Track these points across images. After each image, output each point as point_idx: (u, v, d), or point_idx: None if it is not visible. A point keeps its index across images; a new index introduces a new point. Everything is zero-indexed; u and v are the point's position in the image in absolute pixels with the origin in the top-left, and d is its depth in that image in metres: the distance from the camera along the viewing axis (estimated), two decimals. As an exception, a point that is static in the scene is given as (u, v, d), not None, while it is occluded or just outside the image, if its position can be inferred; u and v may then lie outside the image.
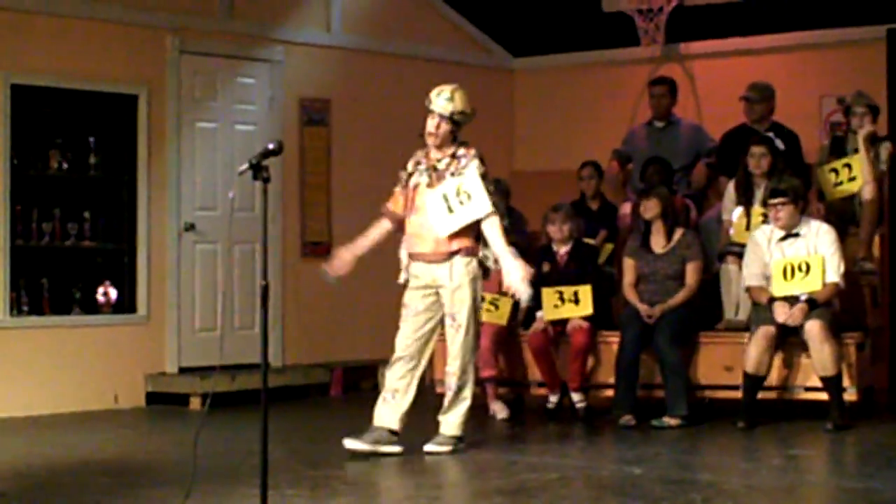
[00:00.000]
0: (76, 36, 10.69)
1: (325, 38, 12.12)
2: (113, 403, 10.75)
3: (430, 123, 8.03)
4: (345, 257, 8.17)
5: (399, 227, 8.24)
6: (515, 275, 7.96)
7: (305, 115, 11.89)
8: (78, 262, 10.85)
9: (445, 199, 7.99)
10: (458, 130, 8.09)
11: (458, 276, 8.01)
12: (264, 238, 6.00)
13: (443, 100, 8.02)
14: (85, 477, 7.50)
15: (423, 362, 8.14)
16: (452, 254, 8.02)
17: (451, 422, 8.18)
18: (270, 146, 5.87)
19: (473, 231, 8.08)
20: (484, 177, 8.00)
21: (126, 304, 10.95)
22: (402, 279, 8.20)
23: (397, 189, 8.25)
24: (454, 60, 12.99)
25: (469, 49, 13.24)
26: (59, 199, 10.74)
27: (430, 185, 8.06)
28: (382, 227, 8.28)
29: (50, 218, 10.65)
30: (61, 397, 10.47)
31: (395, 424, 8.04)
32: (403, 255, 8.23)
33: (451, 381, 8.15)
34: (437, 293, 8.08)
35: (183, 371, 11.06)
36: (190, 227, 11.22)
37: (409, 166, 8.21)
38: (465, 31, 13.22)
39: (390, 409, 8.05)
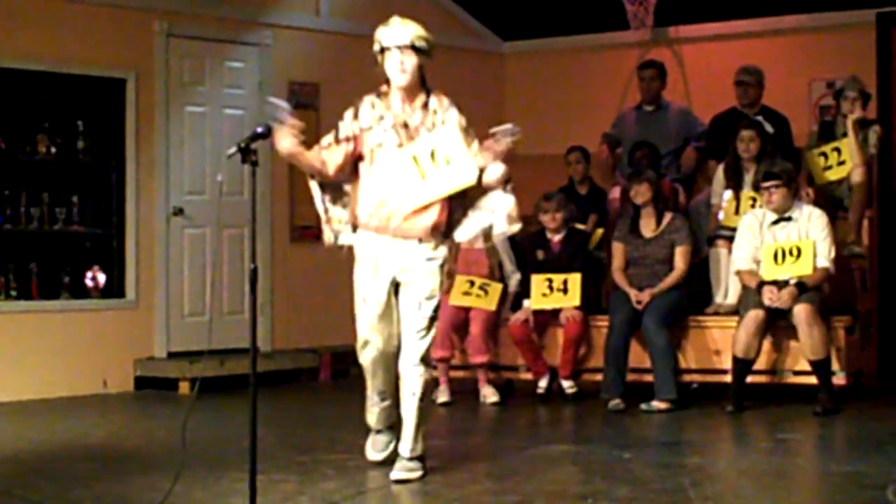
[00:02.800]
0: (64, 20, 10.66)
1: (313, 21, 12.10)
2: (101, 388, 10.74)
3: (394, 62, 6.56)
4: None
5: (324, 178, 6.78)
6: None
7: (294, 99, 11.84)
8: (66, 247, 10.83)
9: (416, 161, 6.59)
10: (424, 63, 6.62)
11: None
12: (253, 222, 5.98)
13: (396, 27, 6.59)
14: (73, 462, 7.49)
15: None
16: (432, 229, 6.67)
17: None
18: (259, 129, 5.85)
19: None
20: (466, 131, 6.64)
21: (114, 289, 10.93)
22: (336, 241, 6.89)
23: (332, 140, 6.74)
24: (443, 44, 12.78)
25: (458, 33, 13.22)
26: (47, 184, 10.71)
27: (400, 145, 6.64)
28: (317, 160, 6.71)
29: (38, 202, 10.63)
30: (50, 382, 10.45)
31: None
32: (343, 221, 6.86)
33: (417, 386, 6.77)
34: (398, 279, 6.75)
35: (172, 356, 11.05)
36: (178, 212, 11.19)
37: (365, 118, 6.68)
38: (454, 15, 13.19)
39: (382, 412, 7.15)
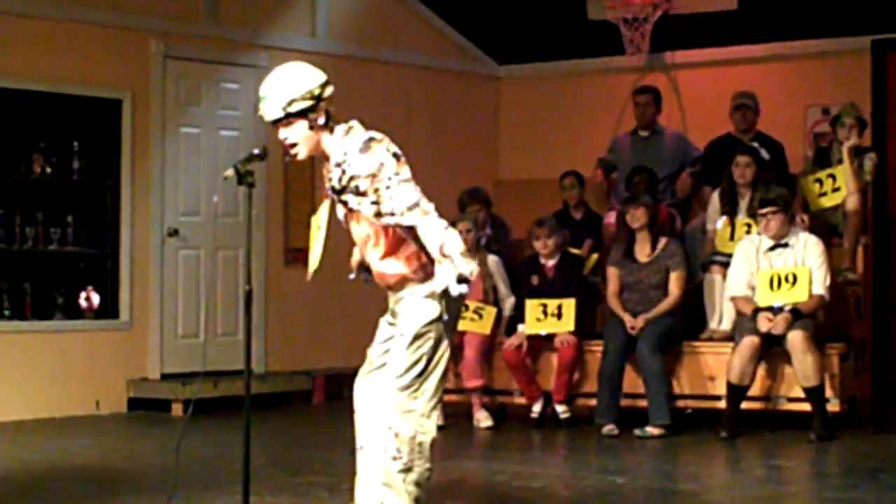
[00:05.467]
0: (61, 39, 10.66)
1: (310, 44, 12.09)
2: (94, 409, 10.71)
3: (281, 139, 5.56)
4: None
5: None
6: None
7: (290, 121, 11.85)
8: (61, 267, 10.81)
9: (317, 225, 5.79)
10: (317, 118, 5.50)
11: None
12: (248, 244, 5.96)
13: (265, 102, 5.48)
14: (66, 483, 7.46)
15: None
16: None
17: None
18: (256, 151, 5.82)
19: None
20: (366, 150, 5.46)
21: (108, 310, 10.90)
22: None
23: None
24: (439, 68, 12.99)
25: (454, 56, 13.23)
26: (42, 204, 10.70)
27: (347, 213, 5.63)
28: None
29: (33, 222, 10.61)
30: (43, 402, 10.42)
31: None
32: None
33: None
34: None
35: (165, 377, 11.02)
36: (173, 233, 11.18)
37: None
38: (450, 39, 13.21)
39: None
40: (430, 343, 5.48)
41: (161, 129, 11.15)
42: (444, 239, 5.34)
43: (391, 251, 5.52)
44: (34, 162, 10.65)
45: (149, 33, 11.10)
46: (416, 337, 5.46)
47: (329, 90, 5.52)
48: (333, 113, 5.57)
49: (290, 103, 5.43)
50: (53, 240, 10.69)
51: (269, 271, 11.71)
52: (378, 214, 5.44)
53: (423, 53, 12.89)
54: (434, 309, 5.48)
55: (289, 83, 5.46)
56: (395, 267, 5.53)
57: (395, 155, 5.47)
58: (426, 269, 5.49)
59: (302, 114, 5.46)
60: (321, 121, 5.51)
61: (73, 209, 10.84)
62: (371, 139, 5.49)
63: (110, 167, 10.95)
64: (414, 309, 5.50)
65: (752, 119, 10.70)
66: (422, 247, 5.47)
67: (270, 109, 5.47)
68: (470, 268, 5.31)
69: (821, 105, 11.84)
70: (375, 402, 5.56)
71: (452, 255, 5.30)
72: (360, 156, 5.44)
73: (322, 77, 5.52)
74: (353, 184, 5.46)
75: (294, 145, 5.53)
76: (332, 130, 5.55)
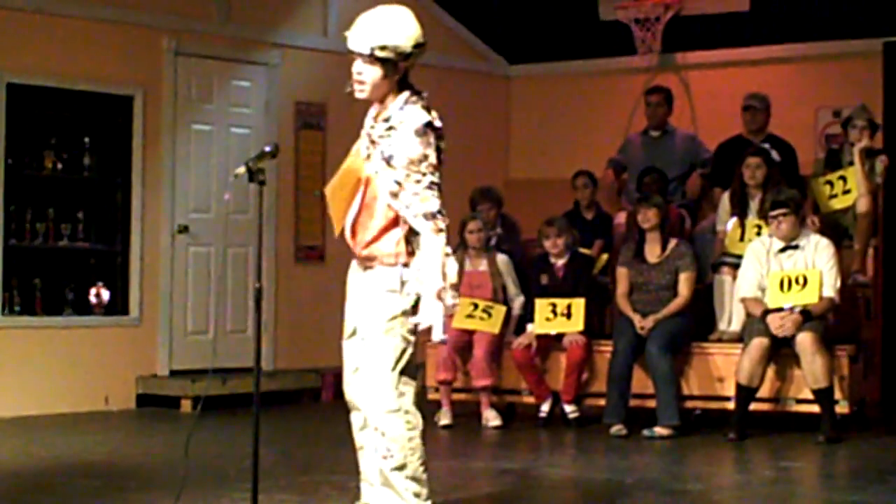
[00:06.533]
0: (72, 36, 10.68)
1: (321, 42, 12.11)
2: (103, 405, 10.72)
3: (353, 72, 5.60)
4: None
5: None
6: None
7: (301, 119, 11.88)
8: (71, 263, 10.84)
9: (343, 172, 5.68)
10: (394, 73, 5.55)
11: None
12: (259, 241, 5.97)
13: (355, 30, 5.60)
14: (74, 479, 7.47)
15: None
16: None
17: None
18: (267, 148, 5.83)
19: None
20: (421, 133, 5.46)
21: (118, 306, 10.92)
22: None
23: None
24: (450, 67, 12.97)
25: (465, 55, 13.24)
26: (53, 200, 10.72)
27: (366, 158, 5.58)
28: None
29: (44, 218, 10.64)
30: (52, 398, 10.44)
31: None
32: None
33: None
34: None
35: (174, 374, 11.03)
36: (183, 230, 11.20)
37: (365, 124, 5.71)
38: (461, 38, 13.22)
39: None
40: (398, 339, 5.51)
41: (172, 126, 11.16)
42: (441, 265, 5.36)
43: (377, 237, 5.54)
44: (45, 158, 10.67)
45: (160, 30, 11.11)
46: (383, 335, 5.52)
47: (419, 52, 5.56)
48: (410, 73, 5.63)
49: (380, 48, 5.47)
50: (64, 236, 10.72)
51: (279, 269, 11.72)
52: (394, 195, 5.44)
53: (433, 52, 12.74)
54: (396, 304, 5.49)
55: (388, 28, 5.50)
56: (374, 247, 5.56)
57: (439, 155, 5.49)
58: (398, 257, 5.48)
59: (383, 61, 5.48)
60: (396, 77, 5.54)
61: (83, 205, 10.87)
62: (429, 125, 5.50)
63: (121, 164, 10.97)
64: (376, 307, 5.55)
65: (761, 120, 10.70)
66: (409, 235, 5.46)
67: (357, 42, 5.52)
68: (453, 301, 5.39)
69: (832, 107, 11.84)
70: (362, 405, 5.66)
71: (445, 286, 5.35)
72: (414, 137, 5.44)
73: (418, 38, 5.57)
74: (388, 152, 5.45)
75: (362, 83, 5.55)
76: (399, 91, 5.56)
